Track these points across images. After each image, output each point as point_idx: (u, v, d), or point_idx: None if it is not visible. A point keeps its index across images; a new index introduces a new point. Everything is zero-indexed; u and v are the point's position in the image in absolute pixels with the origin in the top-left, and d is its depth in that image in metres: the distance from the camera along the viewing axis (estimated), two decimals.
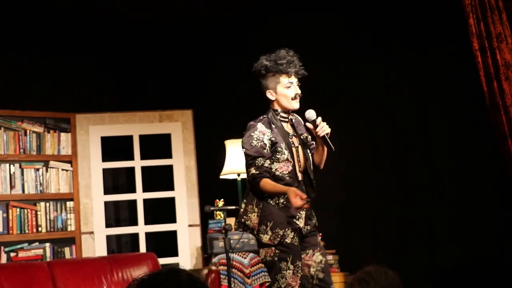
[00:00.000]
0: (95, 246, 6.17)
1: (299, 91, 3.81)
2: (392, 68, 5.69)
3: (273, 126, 3.79)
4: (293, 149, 3.80)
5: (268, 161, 3.71)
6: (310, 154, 3.91)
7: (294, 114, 3.95)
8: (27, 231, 5.93)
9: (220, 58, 6.80)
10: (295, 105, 3.81)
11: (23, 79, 6.24)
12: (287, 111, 3.85)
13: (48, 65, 6.38)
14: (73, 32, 6.54)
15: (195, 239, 6.38)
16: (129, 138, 6.46)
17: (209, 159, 6.55)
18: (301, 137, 3.90)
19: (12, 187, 5.93)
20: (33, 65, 6.31)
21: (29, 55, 6.29)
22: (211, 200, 6.01)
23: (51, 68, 6.39)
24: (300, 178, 3.83)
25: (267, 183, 3.63)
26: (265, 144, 3.72)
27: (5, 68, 6.15)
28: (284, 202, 3.71)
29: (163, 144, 6.51)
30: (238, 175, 6.01)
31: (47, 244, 5.98)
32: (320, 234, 5.77)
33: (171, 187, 6.46)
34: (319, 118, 3.75)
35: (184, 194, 6.43)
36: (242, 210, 3.84)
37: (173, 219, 6.42)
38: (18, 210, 5.91)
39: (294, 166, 3.77)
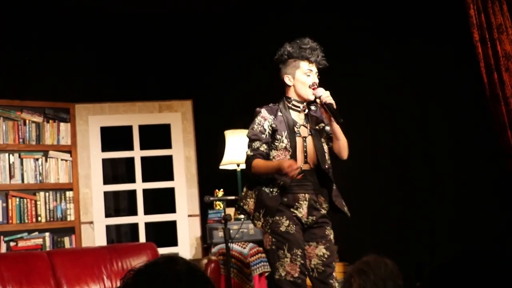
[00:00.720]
0: (94, 236, 6.18)
1: (316, 80, 3.81)
2: (391, 61, 5.67)
3: (280, 114, 3.80)
4: (298, 138, 3.79)
5: (265, 146, 3.73)
6: (325, 145, 3.87)
7: (316, 105, 3.91)
8: (26, 221, 5.93)
9: (220, 49, 6.78)
10: (310, 94, 3.79)
11: (22, 69, 6.22)
12: (300, 99, 3.84)
13: (48, 55, 6.36)
14: (73, 22, 6.51)
15: (194, 229, 6.38)
16: (129, 128, 6.45)
17: (208, 149, 6.54)
18: (316, 127, 3.87)
19: (11, 177, 5.93)
20: (32, 55, 6.29)
21: (28, 45, 6.27)
22: (211, 190, 6.01)
23: (50, 58, 6.37)
24: (305, 168, 3.79)
25: (258, 162, 3.66)
26: (265, 130, 3.74)
27: (4, 58, 6.13)
28: (278, 191, 3.71)
29: (162, 134, 6.51)
30: (238, 165, 6.00)
31: (47, 234, 5.98)
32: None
33: (170, 177, 6.46)
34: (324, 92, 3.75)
35: (184, 184, 6.43)
36: (243, 193, 3.87)
37: (172, 209, 6.43)
38: (17, 199, 5.92)
39: (294, 156, 3.74)
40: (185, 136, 6.48)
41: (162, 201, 6.67)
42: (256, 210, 3.74)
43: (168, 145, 6.49)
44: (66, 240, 6.09)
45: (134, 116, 6.44)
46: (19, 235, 5.88)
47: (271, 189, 3.72)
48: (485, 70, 4.58)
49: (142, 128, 6.47)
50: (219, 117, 6.56)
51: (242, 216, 5.72)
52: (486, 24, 4.58)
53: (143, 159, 6.47)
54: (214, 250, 5.77)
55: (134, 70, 6.78)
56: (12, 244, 5.82)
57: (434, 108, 5.48)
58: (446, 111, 5.36)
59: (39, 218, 5.99)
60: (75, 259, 5.46)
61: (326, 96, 3.72)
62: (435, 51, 5.33)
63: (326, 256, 3.76)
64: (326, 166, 3.83)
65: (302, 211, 3.75)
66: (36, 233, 5.96)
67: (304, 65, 3.80)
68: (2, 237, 5.79)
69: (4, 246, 5.78)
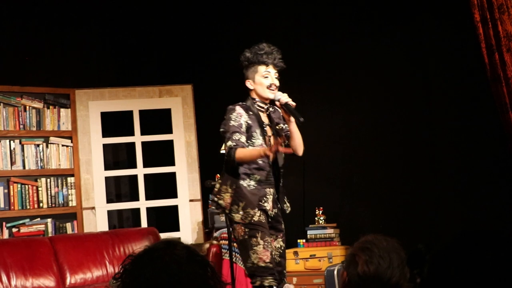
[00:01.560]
0: (96, 221, 6.18)
1: (275, 82, 4.00)
2: (392, 40, 5.65)
3: (250, 112, 3.98)
4: (266, 137, 3.98)
5: (244, 138, 3.88)
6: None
7: (275, 107, 4.09)
8: (28, 207, 5.94)
9: (219, 32, 6.74)
10: (270, 94, 3.97)
11: (22, 55, 6.20)
12: (264, 100, 4.02)
13: (48, 40, 6.34)
14: (73, 7, 6.48)
15: (196, 213, 6.39)
16: (129, 114, 6.44)
17: (209, 134, 6.52)
18: (276, 127, 4.06)
19: (12, 163, 5.93)
20: (32, 40, 6.26)
21: (28, 31, 6.24)
22: (212, 174, 5.99)
23: (50, 43, 6.35)
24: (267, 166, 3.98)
25: (242, 151, 3.81)
26: (241, 125, 3.91)
27: (4, 44, 6.11)
28: (255, 185, 3.90)
29: (163, 119, 6.49)
30: None
31: (49, 220, 5.99)
32: (321, 208, 5.84)
33: (171, 162, 6.45)
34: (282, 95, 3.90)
35: (185, 169, 6.43)
36: (216, 189, 4.03)
37: (174, 194, 6.43)
38: (19, 186, 5.92)
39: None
40: (185, 121, 6.47)
41: (163, 186, 6.67)
42: (234, 203, 3.90)
43: (169, 130, 6.48)
44: (68, 225, 6.10)
45: (134, 101, 6.42)
46: (21, 221, 5.88)
47: (248, 183, 3.90)
48: (486, 51, 4.56)
49: (142, 113, 6.45)
50: (220, 101, 6.51)
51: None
52: (487, 4, 4.55)
53: (144, 144, 6.46)
54: (216, 234, 5.78)
55: (134, 55, 6.76)
56: (14, 230, 5.83)
57: (435, 81, 5.47)
58: (448, 83, 5.35)
59: (41, 204, 6.00)
60: (77, 245, 5.48)
61: (284, 97, 3.90)
62: (436, 31, 5.30)
63: (282, 248, 4.02)
64: (281, 165, 4.04)
65: (268, 205, 3.95)
66: (38, 219, 5.97)
67: (261, 69, 4.01)
68: (4, 223, 5.80)
69: (6, 232, 5.79)
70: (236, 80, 6.45)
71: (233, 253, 5.29)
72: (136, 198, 6.49)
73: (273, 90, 3.97)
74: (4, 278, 4.97)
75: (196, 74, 6.67)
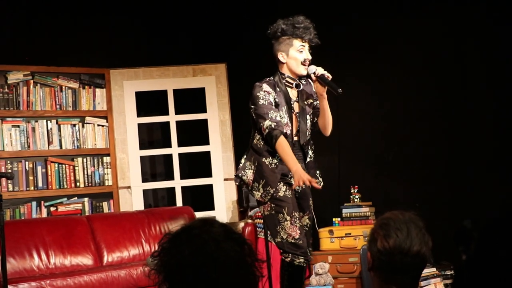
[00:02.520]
0: (132, 200, 6.24)
1: (309, 57, 3.87)
2: (430, 20, 5.56)
3: (278, 89, 3.87)
4: (293, 115, 3.88)
5: (279, 115, 3.78)
6: (309, 122, 3.93)
7: (307, 80, 3.97)
8: (65, 186, 6.02)
9: (253, 10, 6.69)
10: (303, 70, 3.85)
11: (57, 36, 6.24)
12: (294, 76, 3.91)
13: (82, 21, 6.36)
14: None
15: (230, 192, 6.40)
16: (164, 93, 6.46)
17: (243, 112, 6.50)
18: (306, 101, 3.94)
19: (50, 143, 6.00)
20: (67, 21, 6.30)
21: (63, 12, 6.27)
22: None
23: (85, 24, 6.38)
24: (295, 140, 3.90)
25: (284, 146, 3.70)
26: (272, 102, 3.81)
27: (39, 25, 6.16)
28: (277, 163, 3.81)
29: (197, 98, 6.50)
30: None
31: (86, 199, 6.07)
32: (356, 187, 5.80)
33: (206, 141, 6.47)
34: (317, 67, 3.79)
35: (219, 148, 6.44)
36: (241, 164, 3.97)
37: (208, 173, 6.45)
38: (56, 165, 6.00)
39: (291, 131, 3.85)
40: (219, 100, 6.47)
41: (198, 165, 6.69)
42: (255, 181, 3.85)
43: (203, 109, 6.49)
44: (105, 205, 6.17)
45: (168, 81, 6.44)
46: (58, 200, 5.97)
47: (270, 161, 3.82)
48: None
49: (176, 92, 6.47)
50: (253, 79, 6.49)
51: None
52: None
53: (178, 123, 6.48)
54: (250, 213, 5.80)
55: (168, 34, 6.75)
56: (52, 209, 5.92)
57: (472, 69, 5.37)
58: (484, 72, 5.26)
59: (78, 184, 6.08)
60: (114, 224, 5.54)
61: (320, 69, 3.79)
62: (475, 13, 5.20)
63: (308, 225, 3.95)
64: (305, 143, 3.91)
65: (293, 181, 3.82)
66: (75, 198, 6.06)
67: (297, 43, 3.86)
68: (42, 202, 5.90)
69: (44, 211, 5.89)
70: (269, 58, 6.44)
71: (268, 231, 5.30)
72: (171, 177, 6.53)
73: (306, 65, 3.85)
74: (44, 256, 5.06)
75: (230, 53, 6.65)
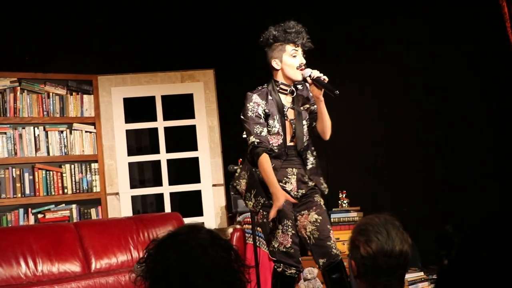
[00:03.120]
0: (120, 207, 6.23)
1: (303, 61, 3.81)
2: (416, 21, 5.58)
3: (270, 97, 3.82)
4: (286, 122, 3.82)
5: (265, 129, 3.75)
6: (305, 128, 3.87)
7: (303, 85, 3.91)
8: (53, 193, 5.99)
9: (241, 17, 6.71)
10: (299, 75, 3.78)
11: (44, 42, 6.22)
12: (288, 82, 3.84)
13: (69, 27, 6.35)
14: None
15: (219, 198, 6.40)
16: (152, 99, 6.45)
17: (231, 118, 6.51)
18: (302, 107, 3.88)
19: (37, 149, 5.98)
20: (54, 27, 6.28)
21: (50, 18, 6.26)
22: (235, 159, 5.99)
23: (72, 30, 6.36)
24: (290, 152, 3.83)
25: (264, 165, 3.66)
26: (260, 115, 3.76)
27: (27, 31, 6.14)
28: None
29: (185, 104, 6.50)
30: None
31: (73, 206, 6.05)
32: (344, 191, 5.81)
33: (194, 147, 6.46)
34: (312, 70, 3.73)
35: (208, 154, 6.43)
36: (236, 174, 3.97)
37: (197, 179, 6.44)
38: (43, 172, 5.97)
39: (284, 139, 3.80)
40: (207, 106, 6.47)
41: (187, 171, 6.68)
42: (247, 191, 3.83)
43: (191, 115, 6.49)
44: (93, 211, 6.14)
45: (156, 87, 6.43)
46: (46, 207, 5.94)
47: None
48: None
49: (164, 98, 6.46)
50: (241, 85, 6.49)
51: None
52: None
53: (167, 129, 6.47)
54: (239, 219, 5.79)
55: (155, 40, 6.75)
56: (39, 216, 5.89)
57: (459, 69, 5.39)
58: (472, 72, 5.28)
59: (66, 190, 6.05)
60: (102, 230, 5.52)
61: (315, 72, 3.72)
62: (460, 10, 5.22)
63: (319, 220, 3.79)
64: (301, 149, 3.85)
65: (290, 185, 3.80)
66: (63, 205, 6.03)
67: (289, 48, 3.80)
68: (30, 209, 5.87)
69: (32, 218, 5.86)
70: (258, 64, 6.45)
71: (257, 237, 5.30)
72: (159, 183, 6.52)
73: (302, 69, 3.76)
74: (31, 263, 5.03)
75: (218, 59, 6.65)
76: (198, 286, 1.59)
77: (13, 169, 5.86)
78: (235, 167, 4.84)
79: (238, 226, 5.64)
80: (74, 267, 5.19)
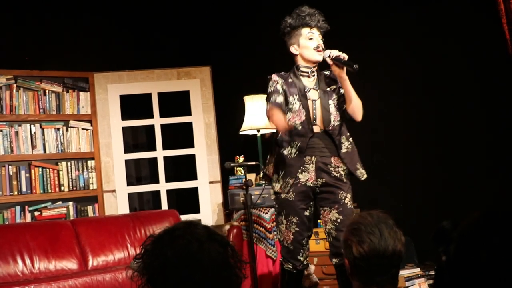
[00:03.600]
0: (117, 204, 6.22)
1: (321, 42, 3.81)
2: (411, 18, 5.58)
3: (290, 80, 3.84)
4: (309, 101, 3.79)
5: (281, 98, 3.77)
6: (332, 107, 3.83)
7: (328, 71, 3.90)
8: (50, 191, 5.99)
9: (237, 13, 6.71)
10: (318, 56, 3.79)
11: (40, 39, 6.22)
12: (310, 64, 3.84)
13: (65, 24, 6.34)
14: None
15: (216, 195, 6.40)
16: (148, 96, 6.45)
17: (228, 115, 6.53)
18: (328, 88, 3.86)
19: (33, 147, 5.97)
20: (50, 24, 6.28)
21: (46, 15, 6.25)
22: (231, 156, 6.00)
23: (68, 27, 6.36)
24: (316, 131, 3.80)
25: (274, 111, 3.65)
26: (278, 89, 3.80)
27: (22, 29, 6.13)
28: (297, 152, 3.75)
29: (182, 101, 6.50)
30: (258, 131, 5.98)
31: (70, 203, 6.04)
32: None
33: (191, 144, 6.47)
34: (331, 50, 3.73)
35: (204, 151, 6.43)
36: (267, 161, 3.96)
37: (193, 176, 6.44)
38: (40, 169, 5.97)
39: (308, 118, 3.77)
40: (204, 103, 6.47)
41: (183, 168, 6.69)
42: (275, 172, 3.83)
43: (188, 112, 6.48)
44: (89, 208, 6.14)
45: (153, 84, 6.43)
46: (43, 205, 5.94)
47: (289, 151, 3.77)
48: (508, 26, 4.48)
49: (161, 95, 6.46)
50: (238, 82, 6.52)
51: (263, 181, 5.74)
52: None
53: (163, 126, 6.47)
54: (236, 216, 5.79)
55: (152, 37, 6.75)
56: (36, 213, 5.88)
57: (455, 66, 5.39)
58: (467, 69, 5.28)
59: (62, 188, 6.05)
60: (99, 228, 5.51)
61: (333, 51, 3.70)
62: (456, 7, 5.22)
63: (339, 220, 3.75)
64: (330, 128, 3.80)
65: (307, 175, 3.76)
66: (60, 202, 6.02)
67: (305, 31, 3.83)
68: (26, 207, 5.86)
69: (28, 215, 5.85)
70: (254, 61, 6.46)
71: (254, 234, 5.30)
72: (156, 180, 6.52)
73: (320, 51, 3.77)
74: (28, 261, 5.02)
75: (214, 56, 6.65)
76: (195, 281, 1.59)
77: (10, 167, 5.85)
78: (232, 164, 4.85)
79: (235, 223, 5.64)
80: (71, 264, 5.19)
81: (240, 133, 6.14)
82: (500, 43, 4.59)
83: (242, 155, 6.01)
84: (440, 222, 2.22)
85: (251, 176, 5.98)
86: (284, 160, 3.77)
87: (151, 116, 6.45)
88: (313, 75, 3.86)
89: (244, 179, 5.20)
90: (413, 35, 5.59)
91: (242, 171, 6.05)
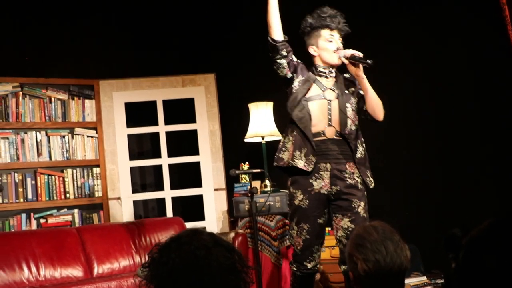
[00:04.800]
0: (122, 211, 6.23)
1: (340, 45, 3.79)
2: (416, 21, 5.58)
3: (309, 79, 3.81)
4: (323, 101, 3.76)
5: (291, 58, 3.82)
6: (350, 110, 3.80)
7: (346, 75, 3.89)
8: (55, 198, 6.00)
9: (241, 20, 6.72)
10: (336, 59, 3.77)
11: (46, 47, 6.24)
12: (328, 66, 3.82)
13: (71, 32, 6.37)
14: None
15: (221, 203, 6.40)
16: (153, 104, 6.46)
17: (233, 122, 6.53)
18: (346, 91, 3.82)
19: (39, 154, 5.99)
20: (55, 32, 6.30)
21: (51, 23, 6.28)
22: (236, 163, 6.01)
23: (73, 35, 6.38)
24: (330, 134, 3.76)
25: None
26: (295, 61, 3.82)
27: (28, 36, 6.16)
28: (314, 134, 3.73)
29: (186, 108, 6.51)
30: (263, 138, 5.99)
31: (76, 210, 6.05)
32: None
33: (195, 152, 6.47)
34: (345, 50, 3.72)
35: (209, 158, 6.44)
36: (280, 144, 3.87)
37: (198, 184, 6.44)
38: (46, 177, 5.98)
39: (313, 117, 3.76)
40: (209, 110, 6.48)
41: (188, 175, 6.69)
42: (297, 149, 3.75)
43: (193, 119, 6.49)
44: (95, 216, 6.15)
45: (157, 91, 6.44)
46: (48, 212, 5.95)
47: (304, 127, 3.74)
48: None
49: (166, 103, 6.47)
50: (243, 90, 6.53)
51: (268, 188, 5.74)
52: None
53: (168, 134, 6.48)
54: (241, 223, 5.79)
55: (157, 45, 6.76)
56: (42, 221, 5.89)
57: (460, 71, 5.39)
58: (472, 74, 5.27)
59: (68, 195, 6.06)
60: (104, 235, 5.51)
61: (348, 50, 3.69)
62: (461, 13, 5.22)
63: (350, 229, 3.72)
64: (347, 132, 3.77)
65: (321, 182, 3.73)
66: (65, 209, 6.03)
67: (325, 32, 3.80)
68: (32, 214, 5.87)
69: (34, 223, 5.86)
70: (259, 68, 6.47)
71: (259, 241, 5.30)
72: (161, 188, 6.52)
73: (339, 54, 3.74)
74: (33, 268, 5.03)
75: (219, 63, 6.66)
76: (204, 286, 1.60)
77: (16, 174, 5.86)
78: (237, 172, 4.86)
79: (240, 231, 5.64)
80: (76, 271, 5.19)
81: (245, 140, 6.15)
82: (505, 48, 4.59)
83: (247, 163, 6.01)
84: (447, 230, 2.21)
85: (256, 184, 5.99)
86: (304, 138, 3.71)
87: (156, 123, 6.47)
88: (331, 76, 3.83)
89: (249, 187, 5.21)
90: (415, 39, 5.58)
91: (247, 179, 6.06)
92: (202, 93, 6.49)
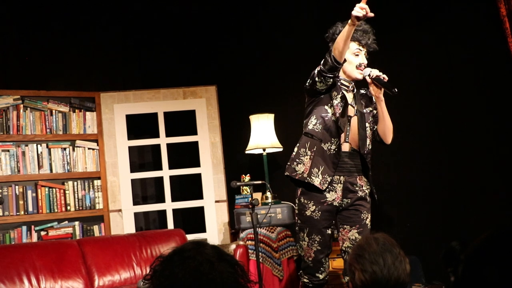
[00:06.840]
0: (123, 223, 6.22)
1: (365, 61, 3.77)
2: (416, 36, 5.58)
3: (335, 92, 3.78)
4: (346, 116, 3.75)
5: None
6: (369, 130, 3.81)
7: (365, 90, 3.89)
8: (56, 210, 5.99)
9: (243, 33, 6.75)
10: (358, 74, 3.75)
11: (47, 59, 6.26)
12: (349, 79, 3.81)
13: (72, 44, 6.39)
14: (96, 11, 6.53)
15: (222, 214, 6.39)
16: (154, 116, 6.46)
17: (234, 134, 6.54)
18: (365, 109, 3.82)
19: (40, 167, 5.99)
20: (56, 45, 6.32)
21: (52, 36, 6.30)
22: (237, 175, 6.00)
23: (74, 47, 6.40)
24: (346, 149, 3.77)
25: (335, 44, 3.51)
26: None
27: (29, 49, 6.18)
28: (336, 149, 3.69)
29: (187, 120, 6.51)
30: (264, 150, 5.99)
31: (76, 223, 6.04)
32: None
33: (197, 164, 6.47)
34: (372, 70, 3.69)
35: (210, 170, 6.43)
36: (293, 154, 3.84)
37: (199, 195, 6.44)
38: (46, 189, 5.98)
39: (343, 114, 3.72)
40: (210, 122, 6.48)
41: (189, 187, 6.68)
42: (315, 166, 3.71)
43: (194, 131, 6.49)
44: (96, 228, 6.14)
45: (158, 103, 6.45)
46: (49, 225, 5.94)
47: (329, 147, 3.70)
48: None
49: (167, 115, 6.48)
50: (244, 102, 6.54)
51: (269, 200, 5.73)
52: None
53: (169, 146, 6.48)
54: (242, 235, 5.78)
55: (158, 57, 6.79)
56: (42, 233, 5.88)
57: (462, 84, 5.38)
58: (474, 87, 5.27)
59: (68, 207, 6.05)
60: (105, 247, 5.50)
61: (374, 71, 3.66)
62: (462, 17, 5.22)
63: (357, 240, 3.74)
64: (365, 151, 3.79)
65: (334, 194, 3.75)
66: (66, 222, 6.02)
67: (354, 45, 3.76)
68: (33, 226, 5.86)
69: (35, 235, 5.85)
70: (260, 80, 6.48)
71: (260, 253, 5.28)
72: (162, 199, 6.51)
73: (362, 70, 3.72)
74: (34, 281, 5.02)
75: (220, 75, 6.68)
76: None
77: (16, 187, 5.86)
78: (238, 183, 4.85)
79: (241, 243, 5.62)
80: (77, 284, 5.17)
81: (246, 152, 6.15)
82: (507, 61, 4.60)
83: (248, 174, 6.01)
84: (448, 242, 2.20)
85: (257, 195, 5.98)
86: (324, 155, 3.68)
87: (157, 135, 6.47)
88: (352, 90, 3.83)
89: (250, 198, 5.21)
90: (418, 50, 5.58)
91: (248, 190, 6.05)
92: (203, 105, 6.49)
